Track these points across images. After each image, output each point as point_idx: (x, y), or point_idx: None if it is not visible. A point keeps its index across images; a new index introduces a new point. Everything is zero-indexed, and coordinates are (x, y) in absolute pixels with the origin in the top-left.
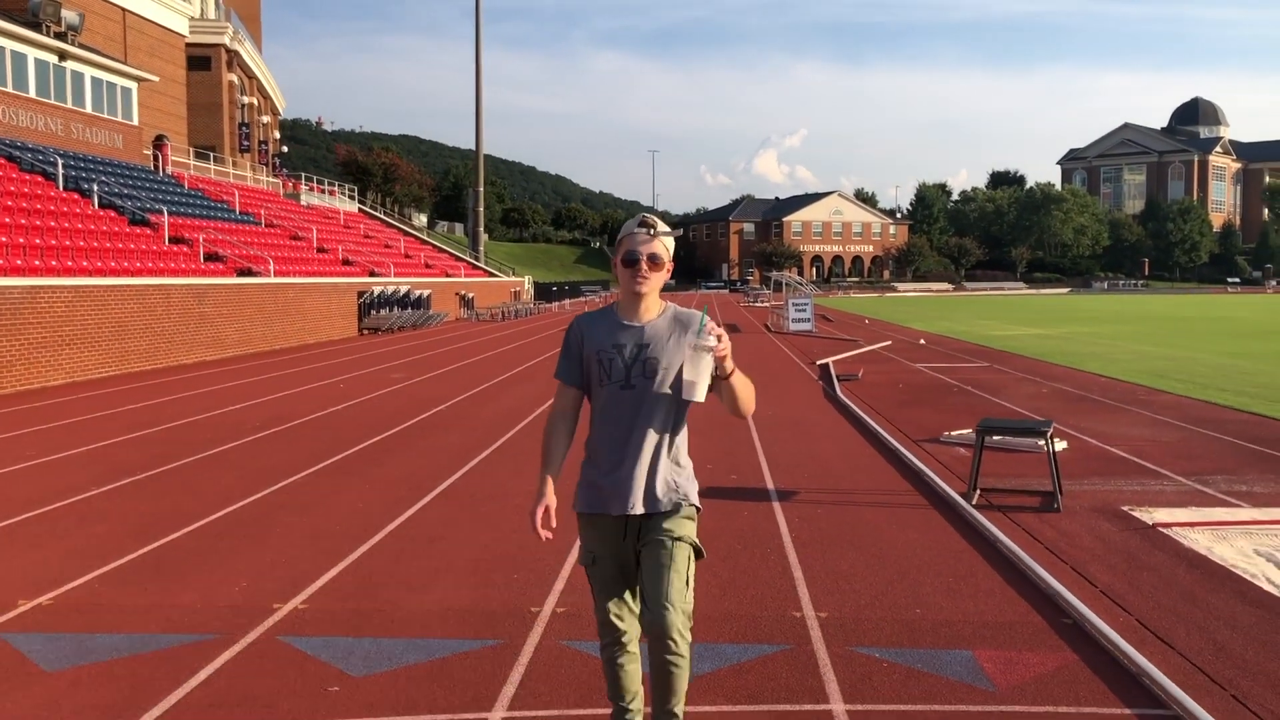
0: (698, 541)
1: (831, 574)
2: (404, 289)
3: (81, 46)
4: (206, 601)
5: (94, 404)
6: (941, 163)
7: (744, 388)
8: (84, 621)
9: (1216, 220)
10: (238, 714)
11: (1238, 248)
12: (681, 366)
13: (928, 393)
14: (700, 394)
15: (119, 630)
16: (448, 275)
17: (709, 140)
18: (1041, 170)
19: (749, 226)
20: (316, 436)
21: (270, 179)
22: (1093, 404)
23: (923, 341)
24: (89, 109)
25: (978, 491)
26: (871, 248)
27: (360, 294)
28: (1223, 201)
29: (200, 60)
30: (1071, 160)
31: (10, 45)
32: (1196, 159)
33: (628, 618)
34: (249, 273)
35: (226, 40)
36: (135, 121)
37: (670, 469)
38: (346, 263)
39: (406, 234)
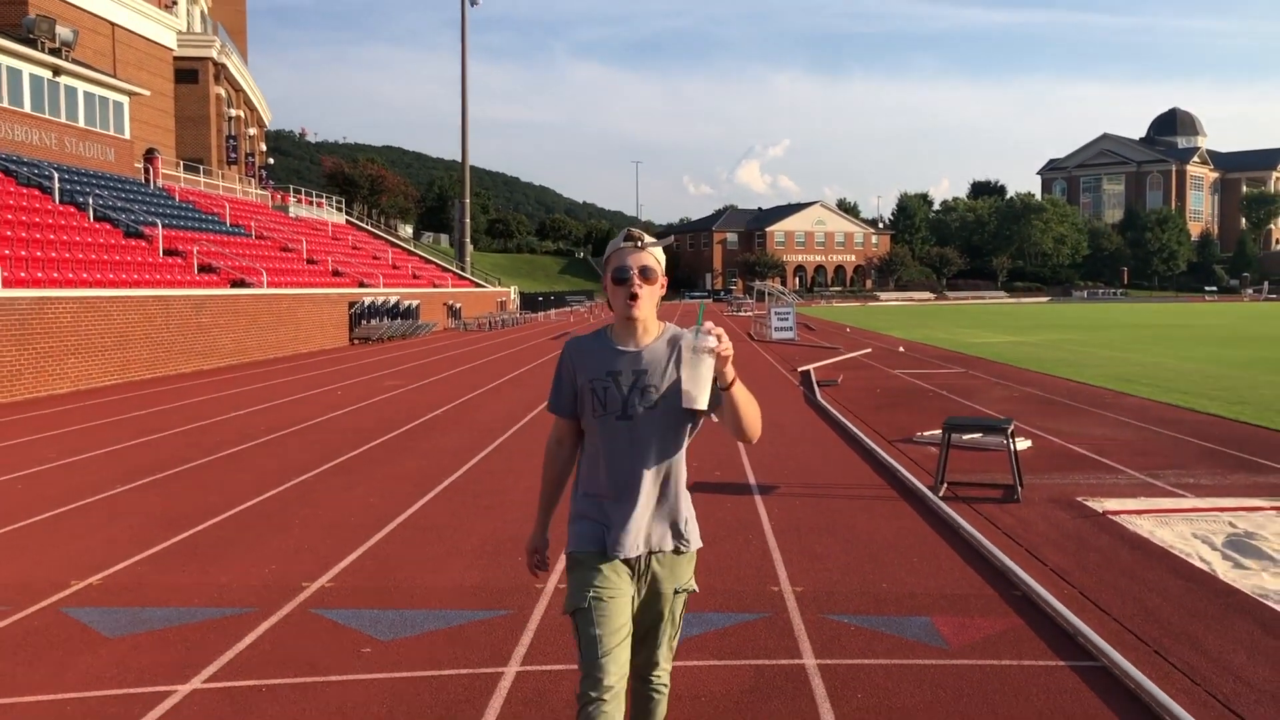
0: (694, 585)
1: (807, 555)
2: (393, 299)
3: (74, 61)
4: (241, 581)
5: (103, 411)
6: (923, 173)
7: (748, 403)
8: (133, 598)
9: (1194, 229)
10: (284, 670)
11: (1216, 256)
12: (679, 380)
13: (903, 397)
14: (702, 402)
15: (166, 605)
16: (435, 286)
17: (691, 150)
18: (1022, 180)
19: (732, 236)
20: (321, 440)
21: (259, 191)
22: (1060, 406)
23: (901, 349)
24: (82, 123)
25: (945, 485)
26: (854, 257)
27: (351, 304)
28: (1201, 211)
29: (188, 73)
30: (1051, 170)
31: (6, 61)
32: (1174, 169)
33: (622, 669)
34: (242, 284)
35: (214, 53)
36: (127, 135)
37: (671, 507)
38: (336, 274)
39: (394, 245)
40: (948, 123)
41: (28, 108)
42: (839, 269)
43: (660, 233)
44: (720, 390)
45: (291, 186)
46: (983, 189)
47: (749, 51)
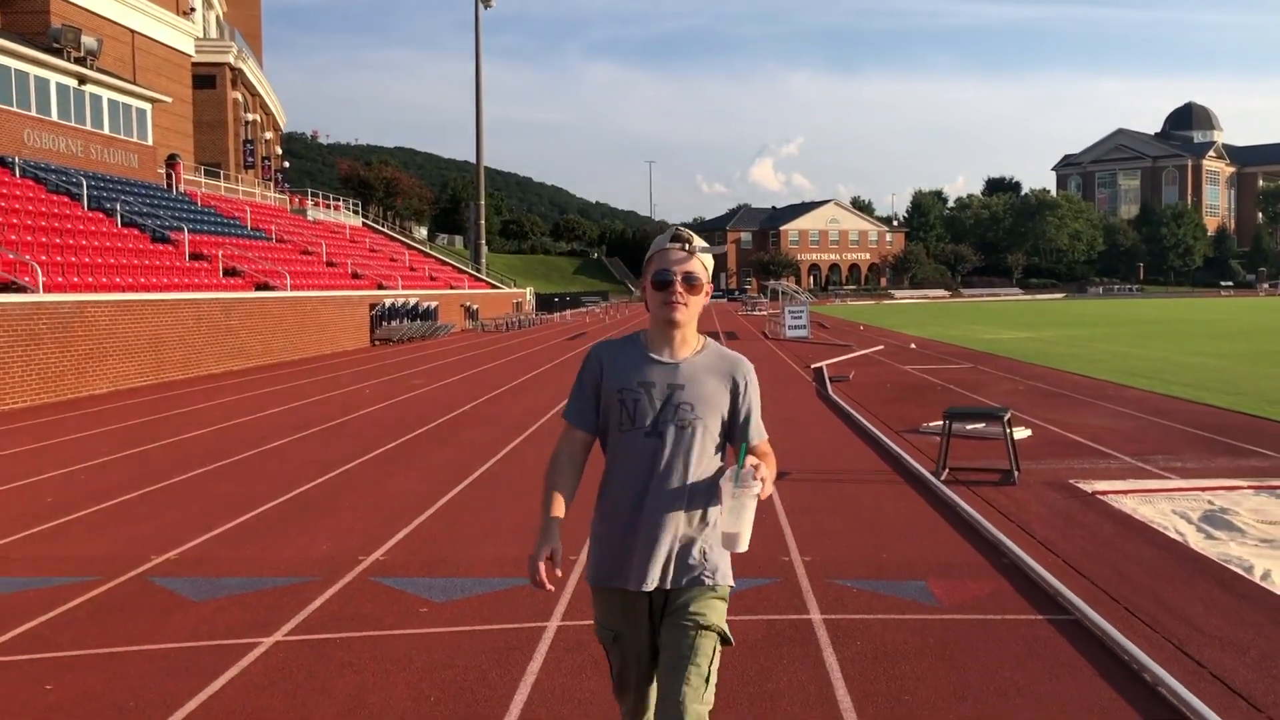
0: (726, 628)
1: (816, 531)
2: (413, 301)
3: (99, 70)
4: (303, 555)
5: (144, 409)
6: (938, 170)
7: (767, 488)
8: (208, 569)
9: (1211, 224)
10: (353, 626)
11: (1232, 251)
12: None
13: (912, 391)
14: (744, 544)
15: (239, 575)
16: (451, 287)
17: (705, 149)
18: (1037, 176)
19: (746, 235)
20: (357, 434)
21: (277, 195)
22: (1063, 399)
23: (913, 346)
24: (106, 130)
25: (946, 469)
26: (868, 255)
27: (372, 306)
28: (1217, 205)
29: (205, 79)
30: (1066, 166)
31: (34, 71)
32: (1190, 163)
33: (649, 708)
34: (267, 287)
35: (230, 59)
36: (150, 141)
37: (700, 536)
38: (356, 276)
39: (410, 247)
40: (963, 119)
41: (54, 116)
42: (853, 267)
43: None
44: None
45: (309, 190)
46: (997, 185)
47: (763, 50)
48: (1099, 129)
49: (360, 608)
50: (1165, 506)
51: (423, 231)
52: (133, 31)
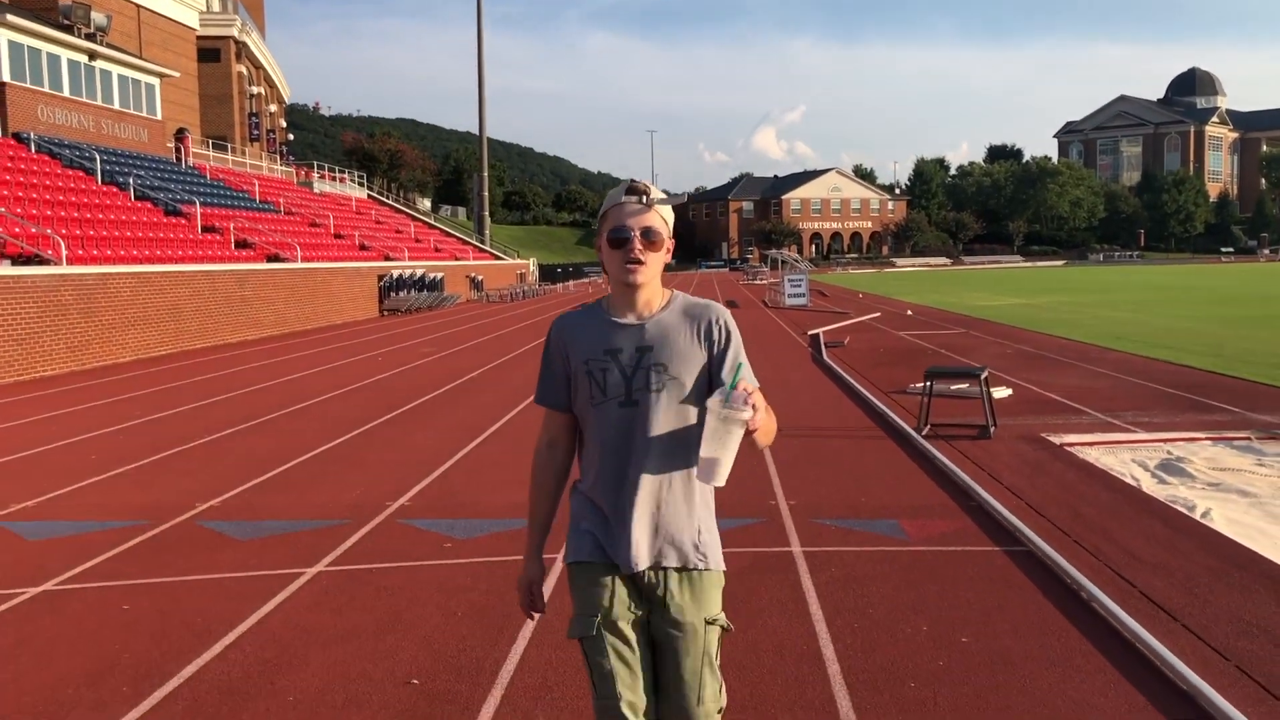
0: (725, 618)
1: (802, 479)
2: (420, 272)
3: (108, 46)
4: (334, 502)
5: (167, 376)
6: (941, 137)
7: (767, 434)
8: (249, 514)
9: (1213, 190)
10: (386, 558)
11: (1234, 217)
12: (701, 424)
13: (904, 355)
14: (723, 477)
15: (278, 518)
16: (456, 259)
17: (707, 118)
18: (1040, 143)
19: (748, 205)
20: (373, 398)
21: (284, 168)
22: (1047, 361)
23: (910, 312)
24: (116, 105)
25: (928, 425)
26: (870, 224)
27: (380, 277)
28: (1219, 171)
29: (210, 53)
30: (1068, 133)
31: (46, 48)
32: (1193, 129)
33: (645, 702)
34: (277, 259)
35: (235, 32)
36: (159, 116)
37: (683, 514)
38: (363, 248)
39: (415, 219)
40: (966, 87)
41: (66, 92)
42: (855, 236)
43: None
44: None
45: (315, 163)
46: (999, 153)
47: (765, 16)
48: (1102, 95)
49: (390, 544)
50: (1126, 456)
51: (426, 203)
52: (138, 6)
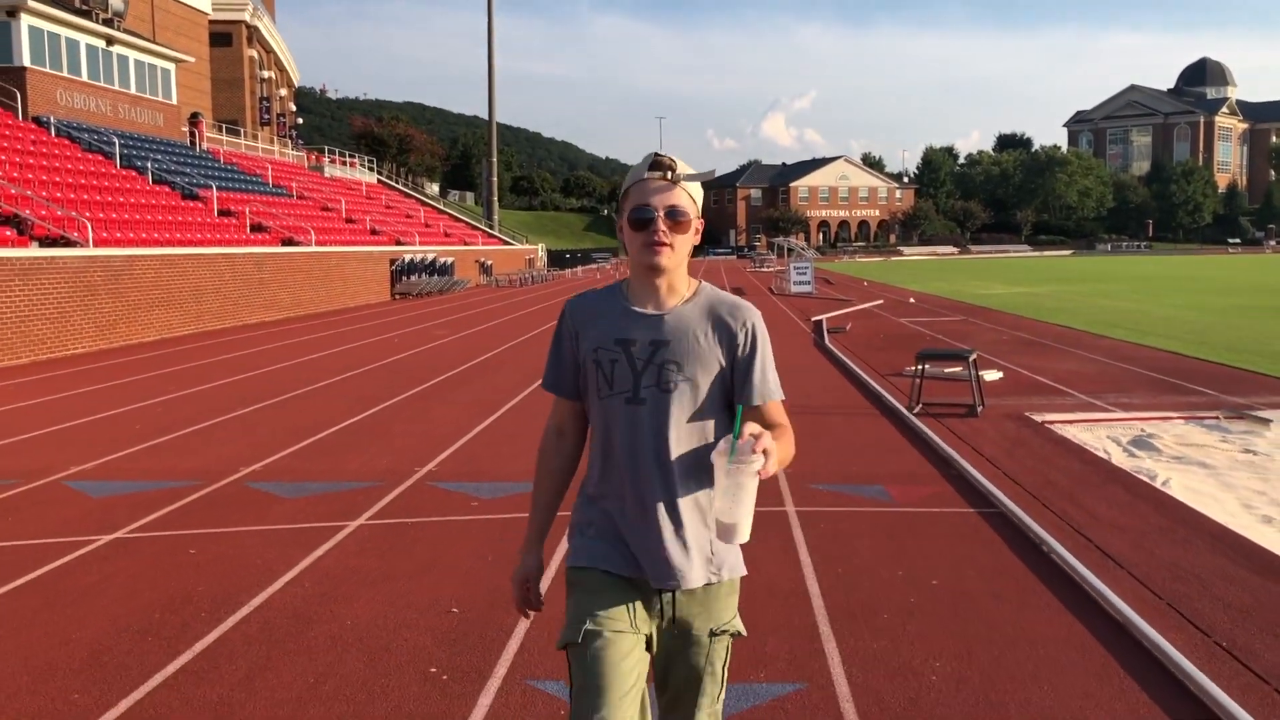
0: (740, 625)
1: (799, 452)
2: (430, 257)
3: (125, 31)
4: (367, 467)
5: (193, 355)
6: (952, 126)
7: (784, 461)
8: (291, 477)
9: (1222, 181)
10: (420, 514)
11: (1243, 208)
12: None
13: (903, 340)
14: (744, 535)
15: (319, 480)
16: (465, 244)
17: (715, 104)
18: (1049, 133)
19: (756, 192)
20: (394, 376)
21: (295, 153)
22: (1041, 347)
23: (912, 300)
24: (133, 90)
25: (920, 405)
26: (878, 212)
27: (392, 261)
28: (1228, 162)
29: (222, 37)
30: (1078, 122)
31: (65, 33)
32: (1203, 120)
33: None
34: (292, 242)
35: (246, 17)
36: (174, 101)
37: (698, 522)
38: (374, 232)
39: (424, 204)
40: (976, 75)
41: (85, 76)
42: (863, 224)
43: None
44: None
45: (326, 147)
46: (1009, 142)
47: (775, 1)
48: (1112, 84)
49: (423, 503)
50: (1101, 433)
51: (435, 188)
52: None
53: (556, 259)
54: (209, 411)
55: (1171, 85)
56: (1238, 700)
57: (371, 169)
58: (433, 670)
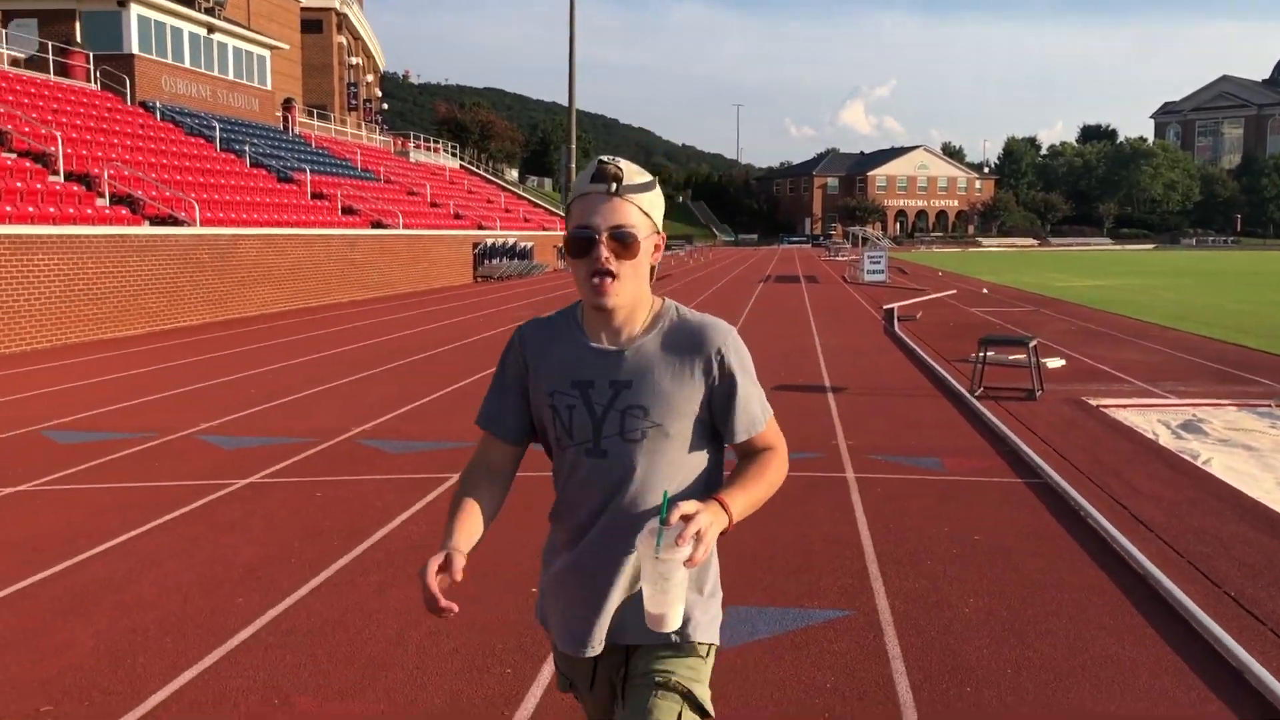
0: (701, 694)
1: (861, 427)
2: (511, 241)
3: (224, 19)
4: (465, 430)
5: (295, 329)
6: (1035, 116)
7: (773, 485)
8: (396, 436)
9: None
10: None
11: None
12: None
13: (972, 329)
14: (674, 623)
15: (423, 440)
16: (544, 229)
17: (793, 92)
18: (1136, 124)
19: (833, 181)
20: (483, 350)
21: (381, 138)
22: (1107, 338)
23: (985, 291)
24: (231, 76)
25: (981, 388)
26: (956, 203)
27: (475, 245)
28: None
29: (313, 24)
30: (1165, 114)
31: (170, 21)
32: None
33: None
34: (381, 225)
35: (336, 4)
36: (269, 86)
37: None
38: (457, 216)
39: (504, 189)
40: (1061, 65)
41: (187, 63)
42: (941, 214)
43: (758, 177)
44: None
45: (410, 133)
46: (1093, 133)
47: None
48: (1203, 75)
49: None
50: (1153, 417)
51: (514, 174)
52: None
53: None
54: (315, 380)
55: (1266, 76)
56: (1236, 639)
57: (454, 154)
58: (533, 591)
